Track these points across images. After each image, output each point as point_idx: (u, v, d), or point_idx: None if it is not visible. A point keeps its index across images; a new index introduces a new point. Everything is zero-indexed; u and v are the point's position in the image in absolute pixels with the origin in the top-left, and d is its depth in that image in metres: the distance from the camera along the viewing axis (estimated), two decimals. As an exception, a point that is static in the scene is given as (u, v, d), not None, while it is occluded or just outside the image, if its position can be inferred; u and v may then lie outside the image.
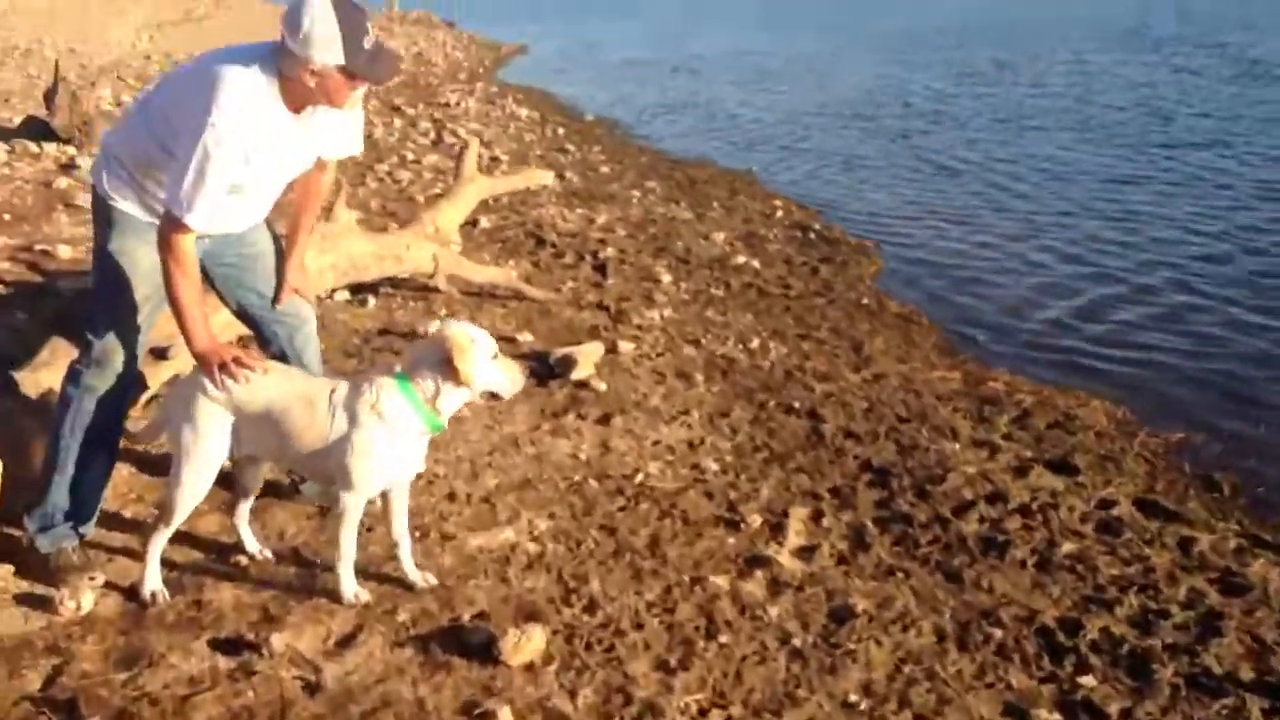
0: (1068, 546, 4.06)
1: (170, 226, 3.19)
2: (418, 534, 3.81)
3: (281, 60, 3.18)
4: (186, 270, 3.25)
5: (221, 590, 3.50)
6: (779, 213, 10.46)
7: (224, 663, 3.13)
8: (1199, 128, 13.81)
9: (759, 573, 3.77)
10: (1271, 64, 18.81)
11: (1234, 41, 22.28)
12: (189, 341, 3.33)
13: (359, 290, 6.62)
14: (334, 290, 6.38)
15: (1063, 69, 20.11)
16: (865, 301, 7.62)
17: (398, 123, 14.92)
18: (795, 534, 4.08)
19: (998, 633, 3.49)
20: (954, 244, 9.31)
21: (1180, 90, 16.82)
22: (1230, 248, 8.76)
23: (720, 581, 3.70)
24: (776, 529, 4.11)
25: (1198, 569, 3.96)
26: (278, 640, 3.19)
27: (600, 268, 7.97)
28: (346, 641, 3.25)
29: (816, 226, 9.90)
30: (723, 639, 3.37)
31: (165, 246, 3.22)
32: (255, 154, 3.21)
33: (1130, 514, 4.39)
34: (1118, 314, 7.39)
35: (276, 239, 3.81)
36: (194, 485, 3.35)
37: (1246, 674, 3.32)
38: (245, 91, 3.14)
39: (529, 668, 3.15)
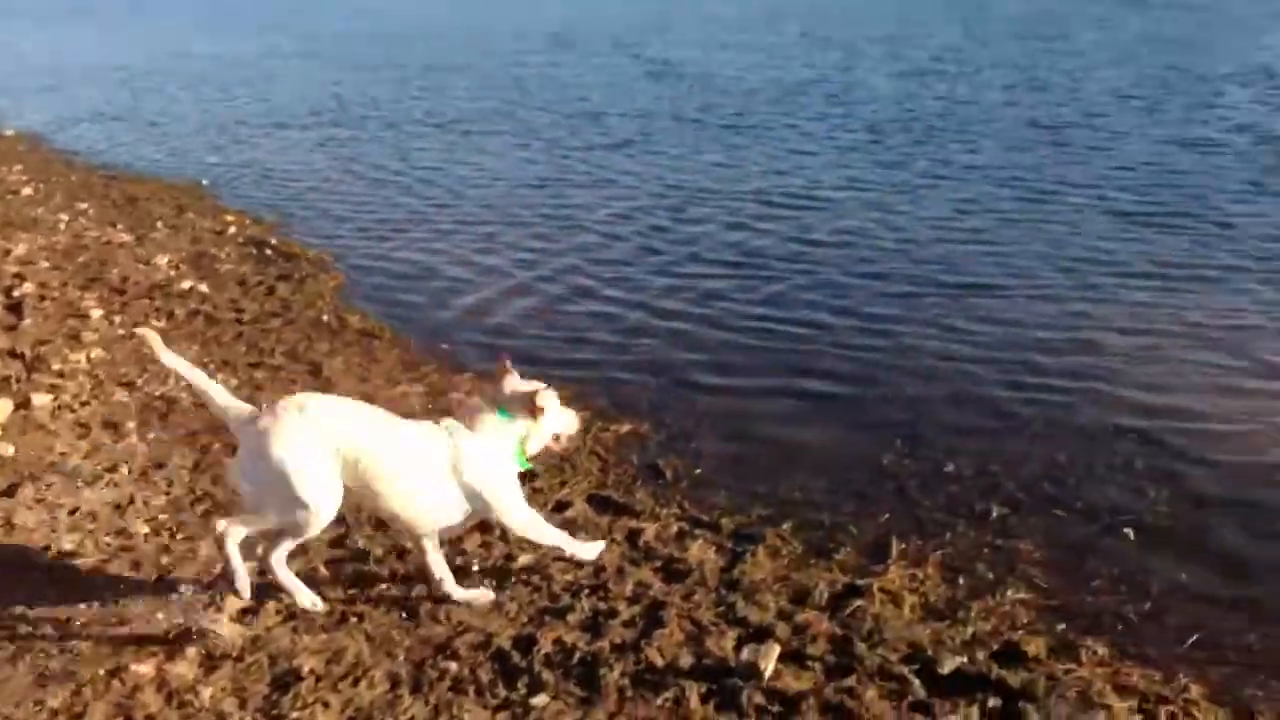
0: (524, 559, 4.05)
1: None
2: None
3: None
4: None
5: None
6: (232, 229, 9.76)
7: None
8: (624, 127, 14.68)
9: (191, 650, 3.38)
10: (676, 64, 20.61)
11: (649, 43, 24.21)
12: None
13: None
14: None
15: (499, 73, 20.72)
16: (325, 319, 7.26)
17: None
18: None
19: (453, 666, 3.38)
20: (410, 252, 9.13)
21: (605, 91, 17.92)
22: (665, 241, 9.16)
23: (144, 669, 3.27)
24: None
25: (644, 560, 4.11)
26: None
27: (15, 307, 6.98)
28: None
29: (273, 241, 9.33)
30: (143, 739, 2.95)
31: None
32: None
33: (584, 512, 4.49)
34: (570, 311, 7.59)
35: None
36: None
37: (686, 661, 3.45)
38: None
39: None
